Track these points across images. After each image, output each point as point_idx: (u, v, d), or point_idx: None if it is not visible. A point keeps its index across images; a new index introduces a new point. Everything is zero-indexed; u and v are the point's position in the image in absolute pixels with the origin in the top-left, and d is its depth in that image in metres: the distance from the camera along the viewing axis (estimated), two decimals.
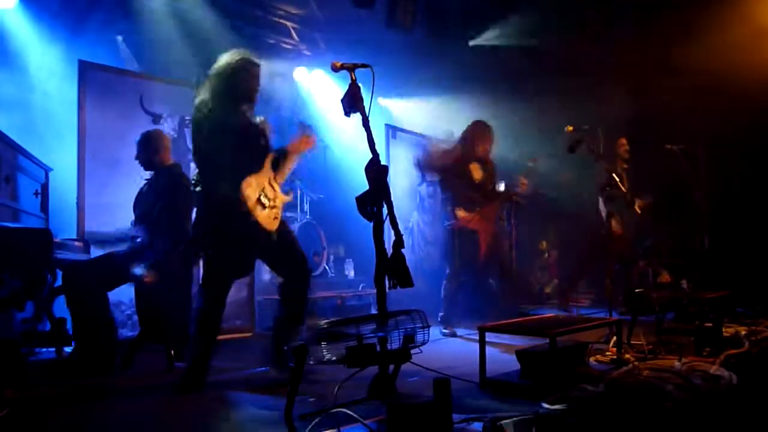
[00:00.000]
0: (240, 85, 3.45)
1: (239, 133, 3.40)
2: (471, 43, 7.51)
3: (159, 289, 3.90)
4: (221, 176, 3.37)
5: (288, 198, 3.65)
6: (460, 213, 5.16)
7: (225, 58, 3.47)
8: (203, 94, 3.41)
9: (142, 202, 4.07)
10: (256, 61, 3.53)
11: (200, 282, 3.50)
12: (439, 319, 5.14)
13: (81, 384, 3.46)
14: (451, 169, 5.22)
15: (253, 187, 3.36)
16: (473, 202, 5.18)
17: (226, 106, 3.39)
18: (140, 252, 3.89)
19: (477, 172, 5.24)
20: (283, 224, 3.63)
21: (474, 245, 5.13)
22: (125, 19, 5.71)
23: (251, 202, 3.35)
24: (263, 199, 3.41)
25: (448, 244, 5.27)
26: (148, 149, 4.09)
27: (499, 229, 5.39)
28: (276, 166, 3.59)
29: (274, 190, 3.52)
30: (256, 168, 3.43)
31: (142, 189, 4.17)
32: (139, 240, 4.00)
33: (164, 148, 4.13)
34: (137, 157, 4.13)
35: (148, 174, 4.20)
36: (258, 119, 3.53)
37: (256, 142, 3.47)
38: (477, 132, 5.30)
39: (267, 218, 3.43)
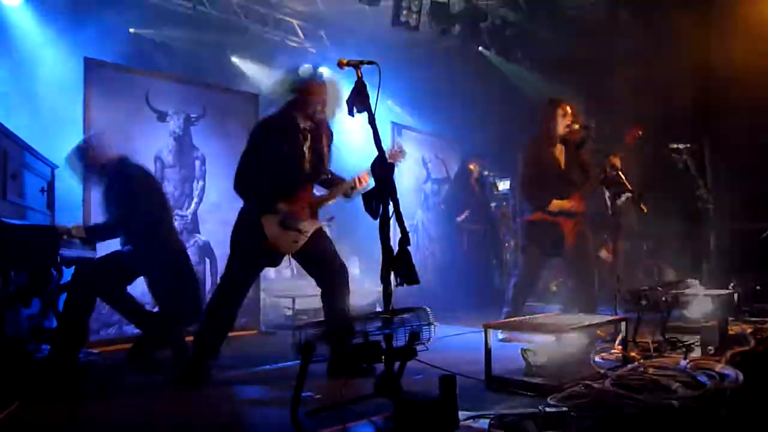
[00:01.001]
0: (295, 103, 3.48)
1: (272, 155, 3.43)
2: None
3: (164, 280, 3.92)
4: (253, 189, 3.46)
5: (323, 224, 3.63)
6: (555, 203, 4.51)
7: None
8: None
9: (110, 206, 3.93)
10: (318, 79, 3.51)
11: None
12: (503, 316, 4.57)
13: (87, 382, 3.47)
14: (529, 158, 4.65)
15: (282, 208, 3.41)
16: (556, 190, 4.55)
17: (267, 127, 3.49)
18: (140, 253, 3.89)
19: (562, 156, 4.63)
20: (320, 238, 3.62)
21: (556, 237, 4.54)
22: (130, 16, 5.73)
23: (271, 223, 3.38)
24: (287, 222, 3.42)
25: (523, 236, 4.78)
26: (98, 154, 3.89)
27: (585, 222, 4.70)
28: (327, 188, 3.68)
29: (308, 216, 3.52)
30: (289, 190, 3.45)
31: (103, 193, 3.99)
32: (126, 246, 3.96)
33: (106, 146, 3.96)
34: (88, 170, 3.94)
35: (149, 169, 4.18)
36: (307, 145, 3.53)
37: (292, 166, 3.47)
38: (553, 110, 4.59)
39: (285, 241, 3.44)
